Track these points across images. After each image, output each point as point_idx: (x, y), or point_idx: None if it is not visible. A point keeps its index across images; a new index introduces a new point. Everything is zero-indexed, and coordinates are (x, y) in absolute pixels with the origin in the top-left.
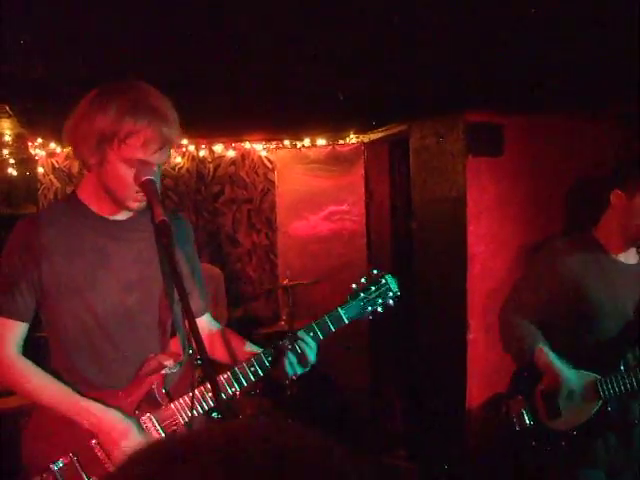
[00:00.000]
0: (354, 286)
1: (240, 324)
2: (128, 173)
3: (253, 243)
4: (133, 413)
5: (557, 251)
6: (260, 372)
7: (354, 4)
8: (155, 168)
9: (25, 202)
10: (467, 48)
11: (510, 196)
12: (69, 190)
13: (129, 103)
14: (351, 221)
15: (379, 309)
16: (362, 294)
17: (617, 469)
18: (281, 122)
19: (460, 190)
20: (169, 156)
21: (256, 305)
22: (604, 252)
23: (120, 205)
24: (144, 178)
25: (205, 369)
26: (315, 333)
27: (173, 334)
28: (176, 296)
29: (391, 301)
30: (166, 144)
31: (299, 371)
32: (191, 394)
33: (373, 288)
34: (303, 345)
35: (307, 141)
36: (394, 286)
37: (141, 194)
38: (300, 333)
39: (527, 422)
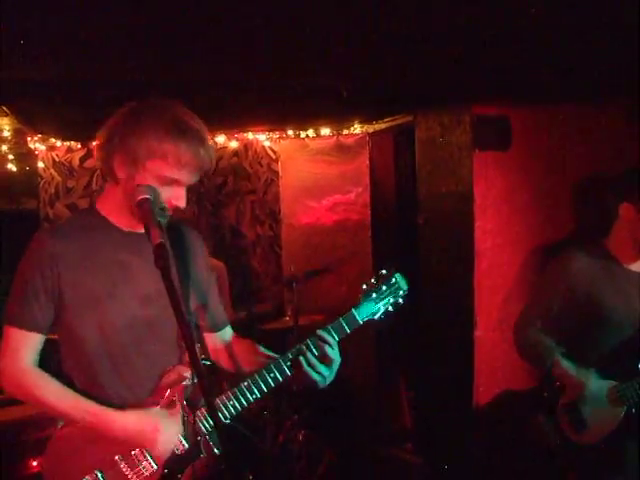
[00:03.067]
0: (365, 286)
1: (244, 320)
2: (156, 186)
3: (257, 235)
4: None
5: (569, 262)
6: (280, 378)
7: None
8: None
9: (26, 197)
10: (474, 39)
11: (518, 190)
12: (70, 184)
13: (169, 124)
14: (356, 212)
15: (390, 308)
16: (374, 294)
17: None
18: (284, 112)
19: (466, 184)
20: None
21: (261, 301)
22: (616, 262)
23: (136, 218)
24: (139, 197)
25: (201, 387)
26: (331, 335)
27: None
28: (192, 308)
29: (401, 299)
30: (202, 167)
31: (325, 372)
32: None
33: (384, 287)
34: (321, 343)
35: (311, 131)
36: (403, 284)
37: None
38: (318, 332)
39: (553, 440)
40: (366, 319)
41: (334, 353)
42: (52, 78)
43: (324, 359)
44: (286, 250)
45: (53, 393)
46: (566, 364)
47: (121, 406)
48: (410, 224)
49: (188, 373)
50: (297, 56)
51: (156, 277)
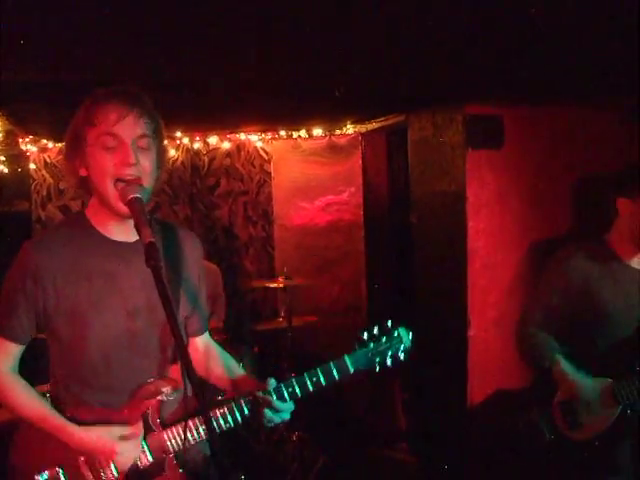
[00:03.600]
0: (365, 335)
1: (238, 321)
2: (104, 155)
3: (250, 236)
4: None
5: (568, 259)
6: (239, 419)
7: None
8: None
9: (17, 199)
10: (467, 38)
11: (511, 190)
12: (62, 186)
13: (92, 96)
14: (349, 212)
15: (388, 362)
16: (372, 344)
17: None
18: (277, 112)
19: (459, 184)
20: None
21: (254, 301)
22: (616, 258)
23: (113, 212)
24: (130, 197)
25: (197, 399)
26: (318, 379)
27: (174, 361)
28: (180, 320)
29: (402, 355)
30: (127, 113)
31: (276, 421)
32: (184, 424)
33: (384, 339)
34: (281, 405)
35: (303, 132)
36: (407, 339)
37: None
38: (282, 387)
39: (547, 436)
40: (359, 369)
41: (287, 414)
42: (44, 79)
43: (278, 415)
44: (279, 251)
45: (22, 400)
46: (566, 366)
47: (95, 414)
48: (403, 224)
49: (166, 388)
50: (290, 56)
51: (145, 289)
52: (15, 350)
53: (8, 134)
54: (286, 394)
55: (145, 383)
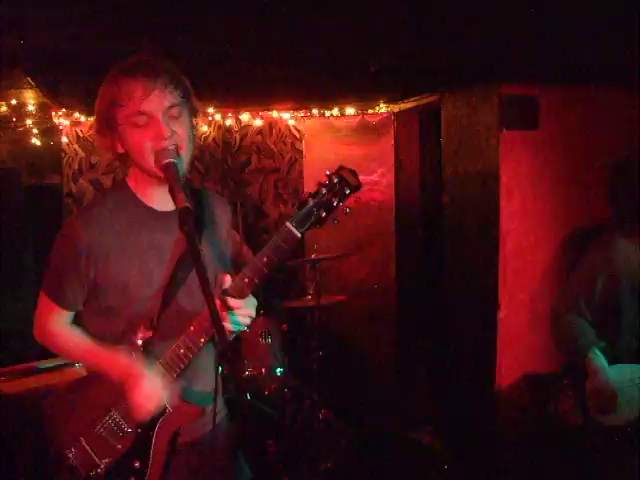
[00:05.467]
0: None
1: (266, 298)
2: (138, 133)
3: (280, 214)
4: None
5: (611, 246)
6: None
7: None
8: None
9: (50, 172)
10: (502, 18)
11: (545, 171)
12: (93, 160)
13: (113, 73)
14: (380, 192)
15: (335, 204)
16: (311, 200)
17: None
18: (310, 91)
19: (493, 165)
20: (186, 115)
21: (283, 279)
22: None
23: (156, 178)
24: (164, 162)
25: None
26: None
27: None
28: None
29: (348, 191)
30: (152, 87)
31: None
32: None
33: (324, 190)
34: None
35: (336, 110)
36: (353, 179)
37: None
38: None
39: (580, 418)
40: (307, 228)
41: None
42: (77, 47)
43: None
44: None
45: (70, 345)
46: (599, 362)
47: None
48: (434, 205)
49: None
50: (324, 33)
51: (188, 257)
52: (66, 315)
53: (42, 107)
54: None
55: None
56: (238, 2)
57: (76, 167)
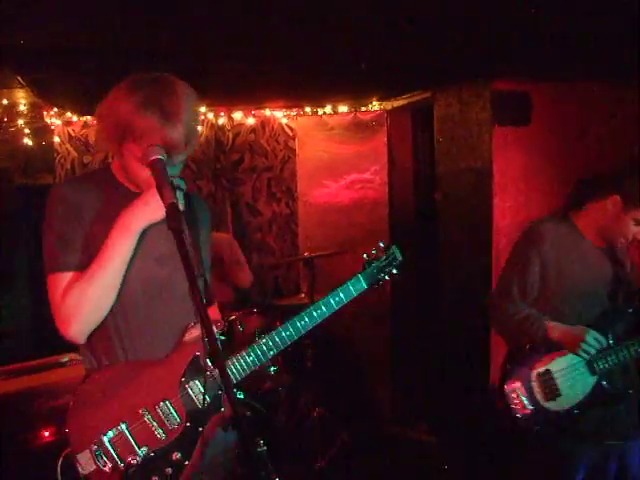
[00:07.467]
0: (365, 256)
1: (260, 295)
2: (141, 169)
3: (273, 212)
4: (179, 381)
5: (538, 231)
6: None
7: None
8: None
9: (42, 172)
10: (494, 14)
11: (537, 167)
12: (86, 160)
13: (145, 98)
14: (373, 190)
15: (387, 277)
16: (375, 263)
17: (604, 441)
18: (302, 89)
19: (486, 161)
20: (185, 152)
21: (277, 276)
22: (581, 235)
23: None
24: (152, 158)
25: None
26: (340, 297)
27: (209, 304)
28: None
29: (395, 270)
30: (173, 150)
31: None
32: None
33: (383, 258)
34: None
35: (329, 108)
36: (399, 255)
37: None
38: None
39: (528, 407)
40: (369, 285)
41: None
42: (67, 46)
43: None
44: (302, 228)
45: (84, 280)
46: (560, 325)
47: (144, 362)
48: (428, 202)
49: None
50: (316, 31)
51: (170, 237)
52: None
53: (33, 107)
54: (316, 315)
55: (188, 327)
56: (231, 1)
57: (68, 167)
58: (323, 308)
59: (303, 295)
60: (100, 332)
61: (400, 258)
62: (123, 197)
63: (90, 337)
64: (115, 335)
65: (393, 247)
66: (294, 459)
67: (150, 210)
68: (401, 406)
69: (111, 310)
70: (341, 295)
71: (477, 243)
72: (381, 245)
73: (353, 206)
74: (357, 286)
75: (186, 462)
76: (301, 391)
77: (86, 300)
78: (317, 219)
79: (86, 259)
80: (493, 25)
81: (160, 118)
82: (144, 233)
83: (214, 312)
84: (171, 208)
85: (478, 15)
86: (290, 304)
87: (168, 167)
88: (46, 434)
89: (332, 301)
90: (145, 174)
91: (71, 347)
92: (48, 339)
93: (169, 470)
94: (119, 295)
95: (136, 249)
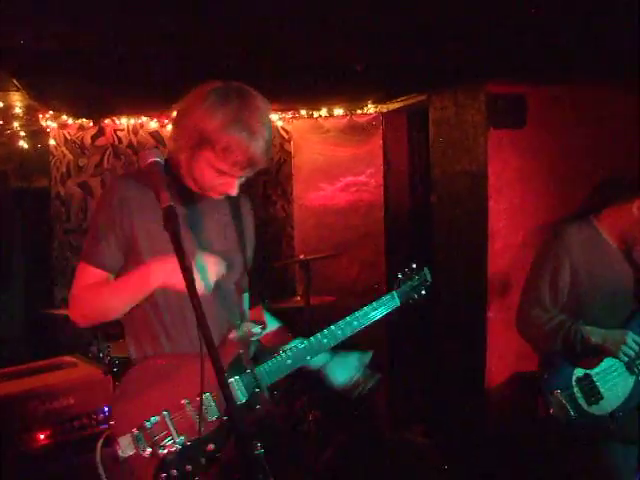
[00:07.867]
0: (400, 275)
1: (255, 298)
2: (214, 177)
3: (269, 215)
4: None
5: (565, 235)
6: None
7: None
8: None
9: (37, 175)
10: (489, 17)
11: (533, 170)
12: (81, 163)
13: (232, 115)
14: (369, 192)
15: (416, 296)
16: (409, 282)
17: None
18: (298, 92)
19: (481, 164)
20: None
21: (271, 278)
22: (604, 239)
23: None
24: (149, 160)
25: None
26: (375, 312)
27: (251, 306)
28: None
29: (424, 291)
30: (254, 164)
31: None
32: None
33: (416, 277)
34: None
35: (324, 111)
36: (429, 277)
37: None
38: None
39: (572, 414)
40: (401, 303)
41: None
42: (63, 47)
43: None
44: (298, 230)
45: (107, 288)
46: (598, 329)
47: (185, 355)
48: (423, 205)
49: (256, 329)
50: (311, 35)
51: (221, 238)
52: (104, 279)
53: (29, 109)
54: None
55: (233, 325)
56: (224, 4)
57: (64, 170)
58: (358, 320)
59: (299, 298)
60: (146, 325)
61: (430, 280)
62: (177, 191)
63: (136, 328)
64: (161, 328)
65: (425, 269)
66: (290, 462)
67: (168, 276)
68: (397, 408)
69: (157, 304)
70: (374, 312)
71: (472, 245)
72: (413, 266)
73: (349, 209)
74: (390, 303)
75: (218, 454)
76: (297, 394)
77: (93, 308)
78: (313, 222)
79: (120, 256)
80: (488, 28)
81: (246, 136)
82: (200, 228)
83: (259, 313)
84: (167, 211)
85: (473, 18)
86: (286, 307)
87: (240, 179)
88: (42, 437)
89: (371, 314)
90: (215, 181)
91: (67, 350)
92: (44, 342)
93: (203, 460)
94: (165, 289)
95: (185, 247)
